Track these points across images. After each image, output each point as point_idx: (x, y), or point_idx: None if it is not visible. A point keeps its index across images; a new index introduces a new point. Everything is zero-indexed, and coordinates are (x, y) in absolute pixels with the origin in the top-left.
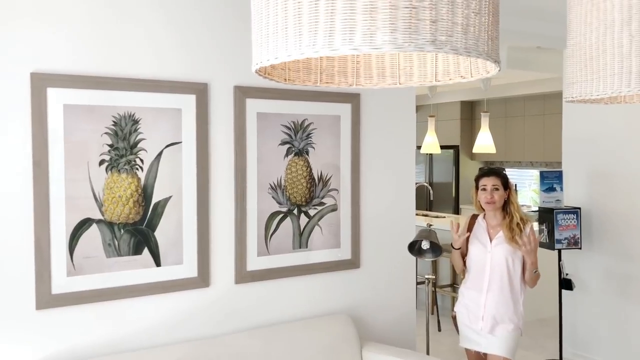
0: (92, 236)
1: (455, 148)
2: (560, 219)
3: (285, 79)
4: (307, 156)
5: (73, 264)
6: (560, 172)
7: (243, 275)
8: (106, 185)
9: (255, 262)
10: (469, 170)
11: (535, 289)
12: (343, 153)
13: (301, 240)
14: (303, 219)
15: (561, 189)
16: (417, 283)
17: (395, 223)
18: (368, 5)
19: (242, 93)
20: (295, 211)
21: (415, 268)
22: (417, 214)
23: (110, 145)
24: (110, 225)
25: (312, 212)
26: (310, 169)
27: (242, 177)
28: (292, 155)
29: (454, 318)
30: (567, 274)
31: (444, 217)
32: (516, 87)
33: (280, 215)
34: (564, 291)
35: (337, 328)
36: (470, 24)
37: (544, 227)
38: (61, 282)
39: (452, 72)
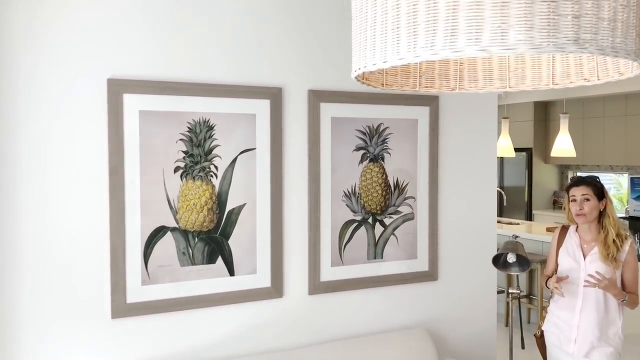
0: (167, 244)
1: (528, 151)
2: None
3: (383, 84)
4: (382, 162)
5: (148, 273)
6: None
7: (317, 286)
8: (181, 193)
9: (329, 273)
10: (543, 174)
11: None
12: (420, 159)
13: (376, 250)
14: (378, 228)
15: None
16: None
17: (475, 233)
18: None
19: (317, 97)
20: (370, 220)
21: (496, 279)
22: None
23: (185, 152)
24: (184, 233)
25: (387, 221)
26: (386, 176)
27: (316, 184)
28: (367, 161)
29: (538, 337)
30: None
31: (518, 223)
32: (595, 87)
33: (355, 224)
34: None
35: (415, 343)
36: (617, 19)
37: (635, 237)
38: (136, 291)
39: (572, 75)
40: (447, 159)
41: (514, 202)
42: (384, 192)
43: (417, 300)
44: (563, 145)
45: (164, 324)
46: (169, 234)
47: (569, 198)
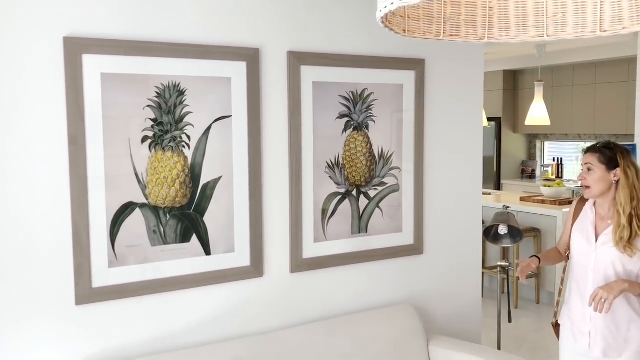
0: (136, 222)
1: (497, 120)
2: None
3: (405, 30)
4: (367, 131)
5: (115, 254)
6: (634, 146)
7: (299, 264)
8: (150, 165)
9: (311, 249)
10: (511, 144)
11: None
12: (406, 126)
13: (360, 224)
14: (363, 201)
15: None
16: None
17: (461, 205)
18: None
19: (297, 59)
20: (354, 192)
21: (481, 252)
22: None
23: (154, 120)
24: (155, 209)
25: (372, 193)
26: (371, 145)
27: (297, 154)
28: (351, 129)
29: (554, 326)
30: None
31: (489, 193)
32: (565, 55)
33: (338, 197)
34: None
35: (402, 320)
36: None
37: None
38: (102, 275)
39: (626, 19)
40: (433, 127)
41: (483, 172)
42: (369, 163)
43: (402, 275)
44: (537, 114)
45: (135, 309)
46: (137, 210)
47: None
